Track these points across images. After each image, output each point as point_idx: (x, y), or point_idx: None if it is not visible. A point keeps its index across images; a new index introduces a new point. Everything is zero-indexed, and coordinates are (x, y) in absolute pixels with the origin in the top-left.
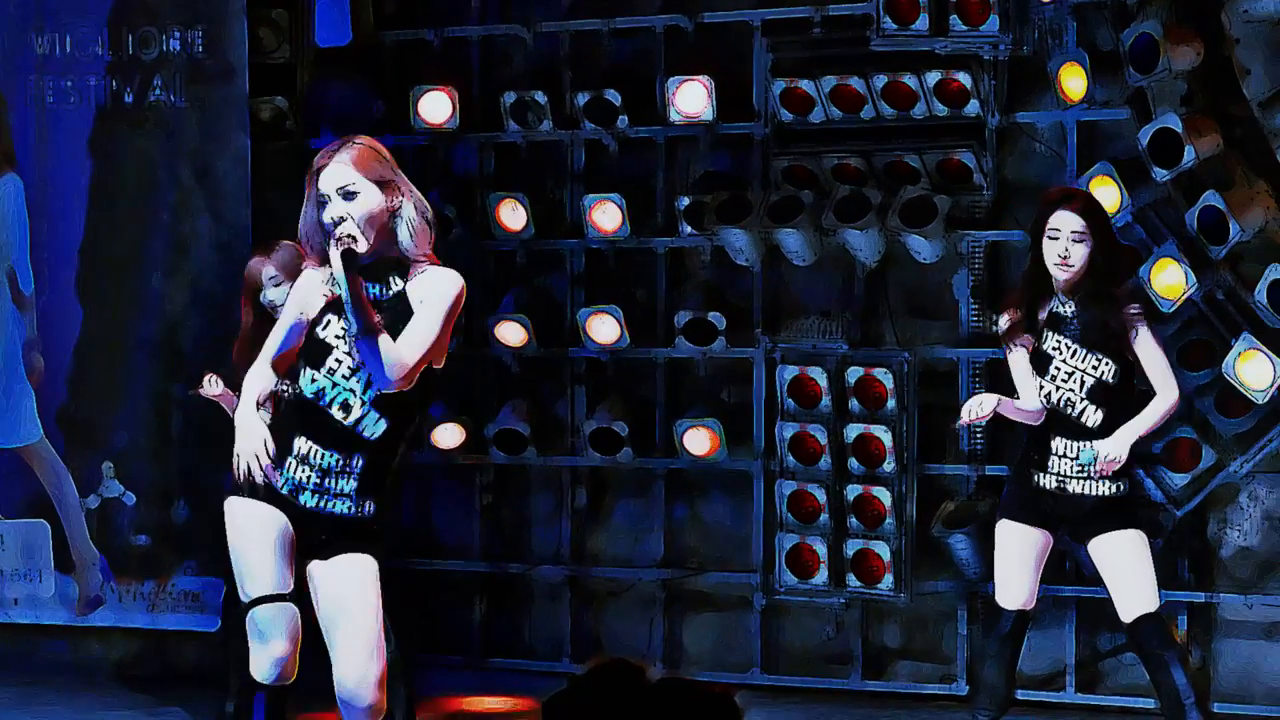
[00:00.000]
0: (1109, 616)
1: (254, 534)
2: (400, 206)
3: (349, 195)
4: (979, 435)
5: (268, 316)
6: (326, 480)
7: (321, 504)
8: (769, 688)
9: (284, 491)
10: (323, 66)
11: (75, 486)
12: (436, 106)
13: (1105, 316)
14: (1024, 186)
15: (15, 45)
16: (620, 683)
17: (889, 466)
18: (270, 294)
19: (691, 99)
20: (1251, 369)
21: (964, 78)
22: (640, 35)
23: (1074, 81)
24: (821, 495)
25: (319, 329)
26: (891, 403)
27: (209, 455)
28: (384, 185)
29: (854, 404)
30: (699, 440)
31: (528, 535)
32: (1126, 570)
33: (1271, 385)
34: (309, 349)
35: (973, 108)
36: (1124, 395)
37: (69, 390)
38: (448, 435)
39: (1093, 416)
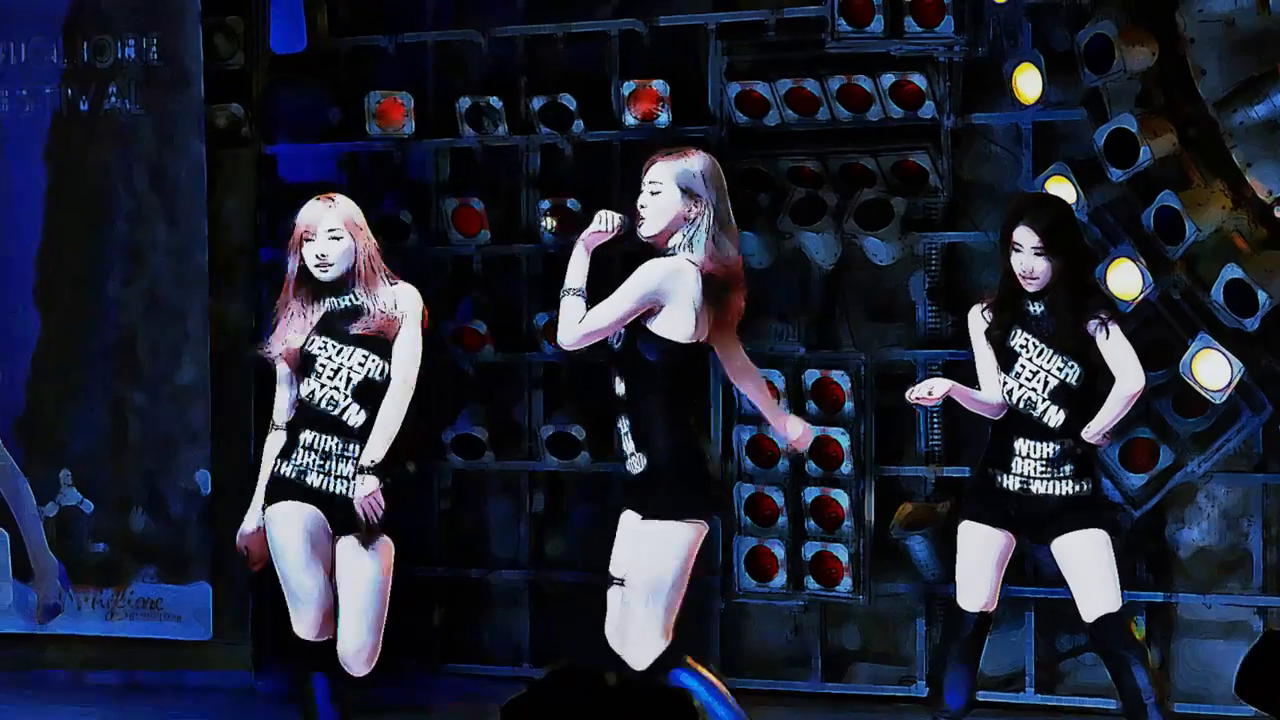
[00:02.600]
0: (1068, 617)
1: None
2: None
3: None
4: (937, 437)
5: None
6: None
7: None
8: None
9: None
10: (278, 73)
11: (33, 494)
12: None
13: (1074, 321)
14: (980, 188)
15: None
16: (579, 686)
17: (847, 469)
18: (324, 247)
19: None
20: (1208, 369)
21: (919, 80)
22: (595, 39)
23: (1029, 83)
24: (779, 498)
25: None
26: (849, 405)
27: (166, 463)
28: (686, 193)
29: (811, 406)
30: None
31: (486, 540)
32: (1090, 570)
33: (1228, 385)
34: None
35: (928, 109)
36: (1087, 399)
37: (27, 398)
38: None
39: (1054, 417)
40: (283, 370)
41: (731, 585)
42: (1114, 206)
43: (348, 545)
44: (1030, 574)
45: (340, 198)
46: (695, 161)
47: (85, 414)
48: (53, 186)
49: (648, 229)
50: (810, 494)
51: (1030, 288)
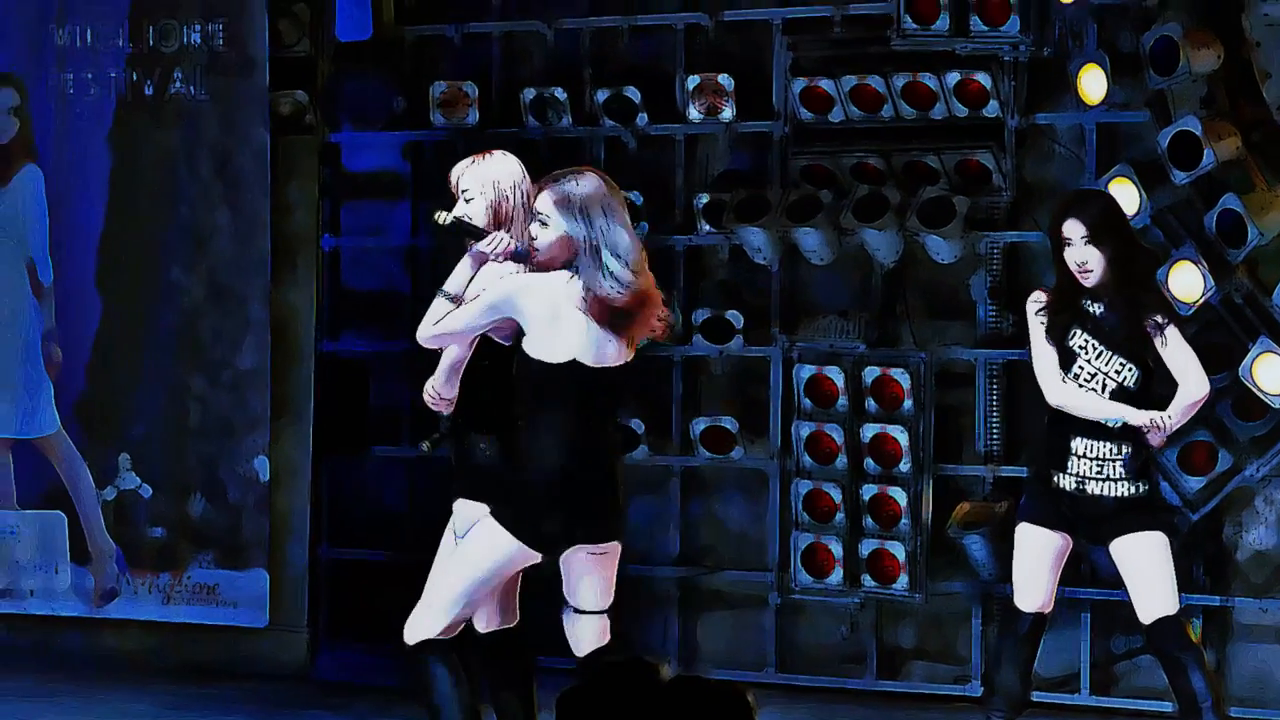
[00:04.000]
0: (1124, 619)
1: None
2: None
3: None
4: (995, 436)
5: None
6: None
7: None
8: (783, 686)
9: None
10: (343, 61)
11: (92, 478)
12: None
13: (1132, 320)
14: (1043, 188)
15: (37, 37)
16: (634, 680)
17: (905, 467)
18: (459, 208)
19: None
20: (1268, 372)
21: (984, 78)
22: (660, 33)
23: (1094, 83)
24: (837, 495)
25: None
26: (908, 403)
27: (225, 448)
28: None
29: (871, 404)
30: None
31: None
32: (1148, 572)
33: None
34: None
35: (992, 108)
36: (1144, 400)
37: (87, 381)
38: None
39: None
40: None
41: (787, 581)
42: (1177, 209)
43: None
44: (1087, 575)
45: (489, 157)
46: (581, 189)
47: (145, 398)
48: (116, 170)
49: (540, 258)
50: (868, 491)
51: (1086, 281)
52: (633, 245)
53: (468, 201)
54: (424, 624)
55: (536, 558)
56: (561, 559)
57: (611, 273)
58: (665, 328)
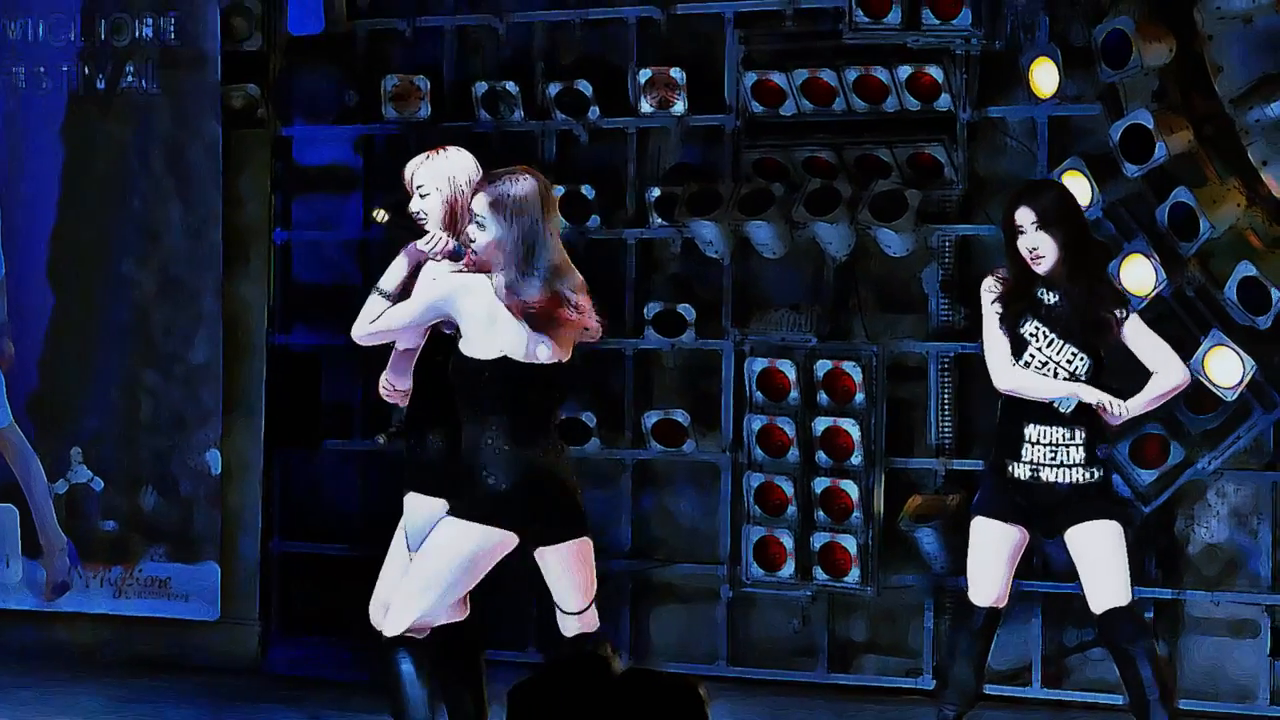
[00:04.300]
0: (1076, 612)
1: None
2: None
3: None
4: (947, 429)
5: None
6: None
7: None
8: (735, 679)
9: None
10: (295, 55)
11: (44, 471)
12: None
13: (1085, 310)
14: (995, 181)
15: None
16: (587, 673)
17: (857, 460)
18: (415, 204)
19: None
20: (1220, 366)
21: (935, 72)
22: (612, 26)
23: (1045, 76)
24: (789, 488)
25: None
26: (860, 396)
27: (177, 442)
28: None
29: (822, 397)
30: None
31: None
32: (1102, 560)
33: (1240, 382)
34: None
35: (944, 102)
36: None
37: (39, 375)
38: None
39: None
40: None
41: (739, 574)
42: (1128, 202)
43: None
44: (1039, 568)
45: (443, 152)
46: (516, 191)
47: (97, 392)
48: (68, 164)
49: (477, 259)
50: (820, 484)
51: (1038, 268)
52: (554, 251)
53: (423, 197)
54: (396, 619)
55: (514, 539)
56: (537, 559)
57: (526, 278)
58: (598, 329)
